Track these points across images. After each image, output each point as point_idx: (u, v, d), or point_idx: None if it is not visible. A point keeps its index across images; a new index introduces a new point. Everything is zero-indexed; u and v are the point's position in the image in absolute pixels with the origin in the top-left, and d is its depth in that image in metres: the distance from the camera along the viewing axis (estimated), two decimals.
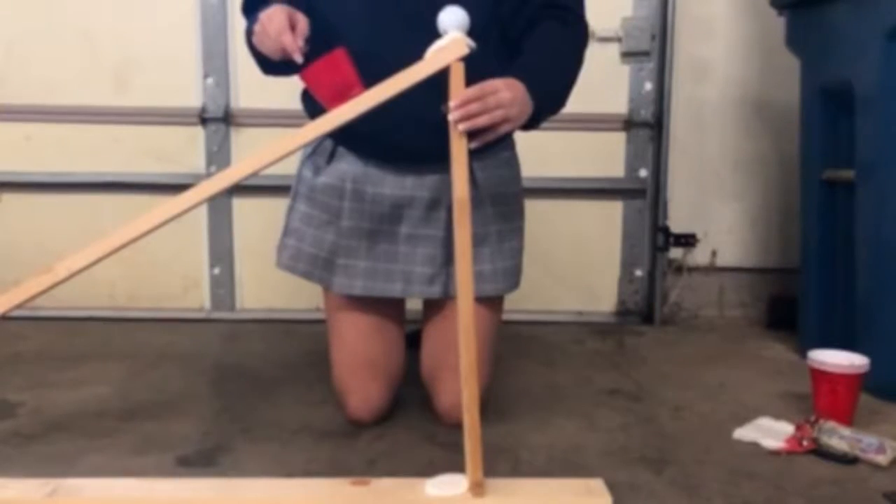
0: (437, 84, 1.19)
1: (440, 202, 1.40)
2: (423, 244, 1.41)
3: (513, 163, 1.51)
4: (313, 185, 1.45)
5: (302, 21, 1.28)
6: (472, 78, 1.19)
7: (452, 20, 1.20)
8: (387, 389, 1.45)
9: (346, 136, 1.28)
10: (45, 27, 2.20)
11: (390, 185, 1.40)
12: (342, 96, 1.16)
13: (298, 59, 1.24)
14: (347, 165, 1.42)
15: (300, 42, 1.25)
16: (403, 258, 1.42)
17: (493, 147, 1.40)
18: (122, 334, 2.09)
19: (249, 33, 1.34)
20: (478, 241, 1.39)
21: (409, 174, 1.40)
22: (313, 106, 1.40)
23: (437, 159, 1.37)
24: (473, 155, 1.38)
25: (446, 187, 1.38)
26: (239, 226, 2.28)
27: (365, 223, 1.41)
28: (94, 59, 2.21)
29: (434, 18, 1.22)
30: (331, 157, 1.44)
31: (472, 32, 1.23)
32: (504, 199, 1.45)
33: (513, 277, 1.47)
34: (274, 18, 1.25)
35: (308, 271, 1.45)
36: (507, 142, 1.48)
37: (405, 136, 1.34)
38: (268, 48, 1.28)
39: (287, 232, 1.47)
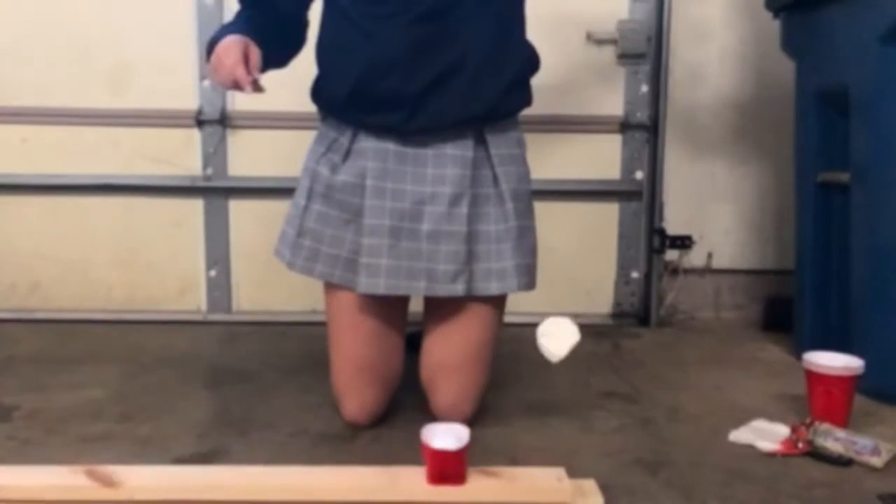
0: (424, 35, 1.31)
1: (461, 197, 1.39)
2: (445, 241, 1.39)
3: (525, 160, 1.50)
4: (331, 184, 1.42)
5: (255, 54, 1.34)
6: (500, 46, 1.35)
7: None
8: (383, 394, 1.45)
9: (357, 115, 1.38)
10: (41, 29, 2.20)
11: (410, 180, 1.39)
12: (443, 482, 1.12)
13: (248, 90, 1.31)
14: (366, 162, 1.40)
15: (255, 75, 1.32)
16: (427, 256, 1.39)
17: (507, 142, 1.45)
18: (118, 337, 2.09)
19: (209, 53, 1.38)
20: (500, 237, 1.41)
21: (428, 166, 1.39)
22: (328, 102, 1.45)
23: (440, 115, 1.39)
24: (492, 151, 1.43)
25: (467, 182, 1.40)
26: (236, 228, 2.28)
27: (386, 220, 1.39)
28: (90, 62, 2.21)
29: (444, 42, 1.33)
30: (346, 154, 1.43)
31: (503, 14, 1.37)
32: (520, 196, 1.44)
33: (532, 274, 1.46)
34: (231, 52, 1.32)
35: (327, 272, 1.42)
36: (519, 138, 1.49)
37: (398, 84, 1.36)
38: (220, 78, 1.34)
39: (301, 232, 1.43)
